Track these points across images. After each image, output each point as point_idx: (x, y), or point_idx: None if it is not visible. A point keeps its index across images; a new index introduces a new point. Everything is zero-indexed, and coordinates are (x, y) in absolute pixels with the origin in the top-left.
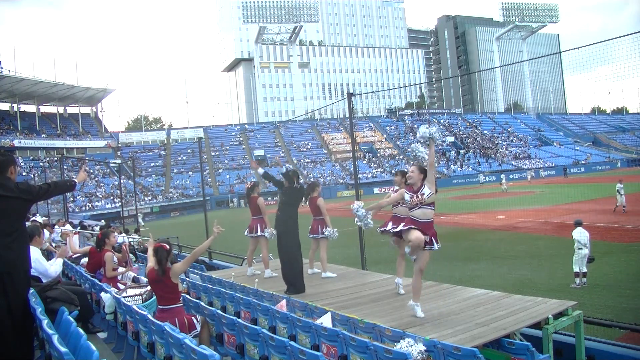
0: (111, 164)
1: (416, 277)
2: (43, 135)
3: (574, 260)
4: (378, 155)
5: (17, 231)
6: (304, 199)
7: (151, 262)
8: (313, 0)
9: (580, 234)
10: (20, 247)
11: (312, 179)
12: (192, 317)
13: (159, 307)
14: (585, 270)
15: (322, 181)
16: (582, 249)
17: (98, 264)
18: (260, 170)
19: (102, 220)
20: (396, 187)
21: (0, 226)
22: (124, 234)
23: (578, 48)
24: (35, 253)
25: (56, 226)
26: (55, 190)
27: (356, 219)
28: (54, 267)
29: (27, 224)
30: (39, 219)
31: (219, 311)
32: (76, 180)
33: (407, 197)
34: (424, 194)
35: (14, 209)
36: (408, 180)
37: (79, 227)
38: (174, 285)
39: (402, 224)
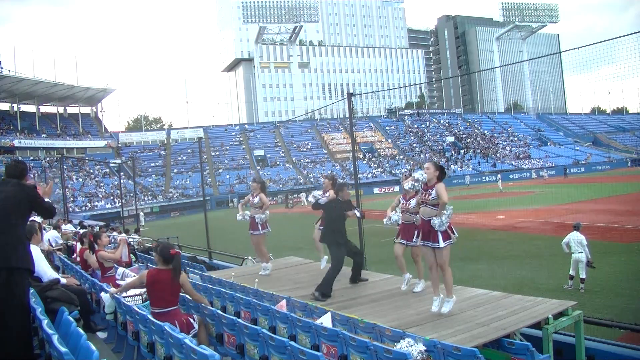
0: (111, 164)
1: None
2: (43, 135)
3: (571, 263)
4: (377, 155)
5: (22, 232)
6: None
7: (160, 263)
8: (313, 0)
9: (575, 238)
10: (26, 246)
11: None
12: (189, 317)
13: (155, 310)
14: (584, 276)
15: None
16: (574, 253)
17: (86, 263)
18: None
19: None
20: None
21: (11, 225)
22: (124, 234)
23: (578, 48)
24: (35, 251)
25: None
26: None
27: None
28: (52, 272)
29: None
30: (38, 218)
31: (219, 311)
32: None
33: (406, 185)
34: (431, 194)
35: (23, 210)
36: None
37: (79, 228)
38: (178, 288)
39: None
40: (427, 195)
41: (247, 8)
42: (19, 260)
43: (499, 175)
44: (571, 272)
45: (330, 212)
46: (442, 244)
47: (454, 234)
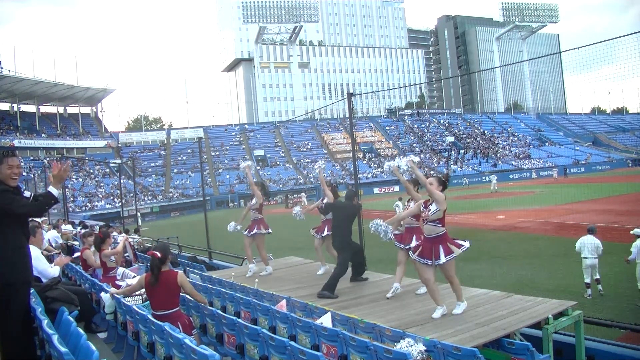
0: (111, 164)
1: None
2: (43, 135)
3: (583, 269)
4: (377, 155)
5: (11, 240)
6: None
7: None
8: (313, 0)
9: (590, 243)
10: (20, 256)
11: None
12: (189, 317)
13: (156, 313)
14: (588, 281)
15: None
16: (587, 258)
17: (86, 263)
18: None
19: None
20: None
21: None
22: (123, 234)
23: (578, 48)
24: (34, 251)
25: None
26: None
27: (377, 232)
28: (53, 270)
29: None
30: (37, 218)
31: (219, 311)
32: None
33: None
34: (430, 209)
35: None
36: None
37: (79, 227)
38: (178, 289)
39: (417, 252)
40: (427, 212)
41: (247, 8)
42: (10, 274)
43: (492, 175)
44: (587, 280)
45: (339, 216)
46: (443, 260)
47: (458, 248)
